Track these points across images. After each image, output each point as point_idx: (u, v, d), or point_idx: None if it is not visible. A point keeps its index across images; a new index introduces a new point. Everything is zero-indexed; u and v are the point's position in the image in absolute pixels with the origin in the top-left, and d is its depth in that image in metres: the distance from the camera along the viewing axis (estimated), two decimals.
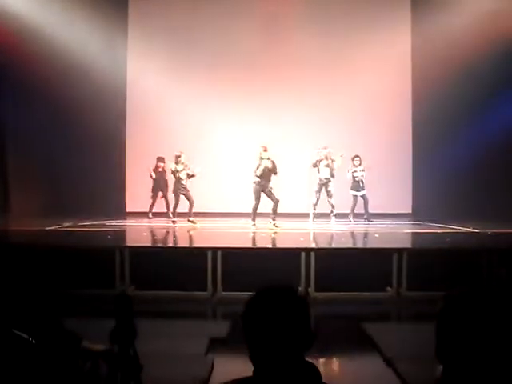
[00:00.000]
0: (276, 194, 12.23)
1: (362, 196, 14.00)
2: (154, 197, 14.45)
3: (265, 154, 12.10)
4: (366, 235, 11.69)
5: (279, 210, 12.36)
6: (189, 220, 12.72)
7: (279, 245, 9.77)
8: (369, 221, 13.62)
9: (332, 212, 13.26)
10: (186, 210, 12.82)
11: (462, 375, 1.78)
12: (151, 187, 14.41)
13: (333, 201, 13.24)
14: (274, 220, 12.25)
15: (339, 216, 13.45)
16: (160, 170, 14.26)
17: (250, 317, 1.82)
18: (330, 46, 15.54)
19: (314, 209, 13.40)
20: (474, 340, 1.78)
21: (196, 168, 12.68)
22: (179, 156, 12.71)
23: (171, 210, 13.27)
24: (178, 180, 12.70)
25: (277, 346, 1.76)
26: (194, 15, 15.71)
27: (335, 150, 13.39)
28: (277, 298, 1.82)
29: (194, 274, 8.24)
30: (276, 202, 12.19)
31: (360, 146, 14.65)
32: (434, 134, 14.69)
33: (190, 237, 11.54)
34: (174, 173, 12.69)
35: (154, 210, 14.49)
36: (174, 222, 12.87)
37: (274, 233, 11.48)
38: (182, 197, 12.82)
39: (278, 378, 1.75)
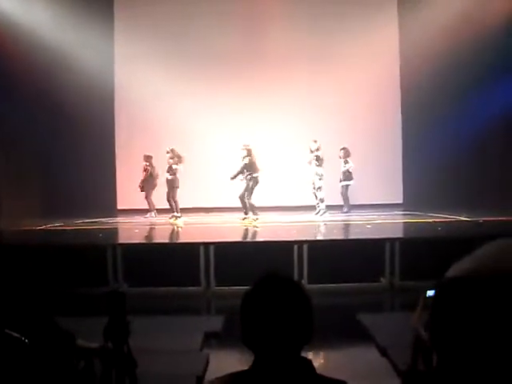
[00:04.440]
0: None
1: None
2: (149, 195, 14.21)
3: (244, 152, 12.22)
4: (357, 226, 11.70)
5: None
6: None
7: (271, 238, 9.75)
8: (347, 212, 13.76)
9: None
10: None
11: (457, 362, 1.78)
12: (142, 186, 14.10)
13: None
14: (246, 214, 12.35)
15: (330, 208, 13.45)
16: (149, 167, 14.00)
17: (249, 307, 1.75)
18: (318, 37, 15.48)
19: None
20: (469, 327, 1.78)
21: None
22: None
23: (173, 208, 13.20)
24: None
25: (278, 339, 1.70)
26: (180, 14, 15.63)
27: (327, 142, 13.41)
28: (279, 289, 1.75)
29: (187, 269, 8.23)
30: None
31: (350, 137, 14.68)
32: (423, 124, 14.70)
33: (182, 232, 11.53)
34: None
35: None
36: (176, 217, 12.92)
37: (266, 226, 11.48)
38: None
39: (275, 371, 1.70)
